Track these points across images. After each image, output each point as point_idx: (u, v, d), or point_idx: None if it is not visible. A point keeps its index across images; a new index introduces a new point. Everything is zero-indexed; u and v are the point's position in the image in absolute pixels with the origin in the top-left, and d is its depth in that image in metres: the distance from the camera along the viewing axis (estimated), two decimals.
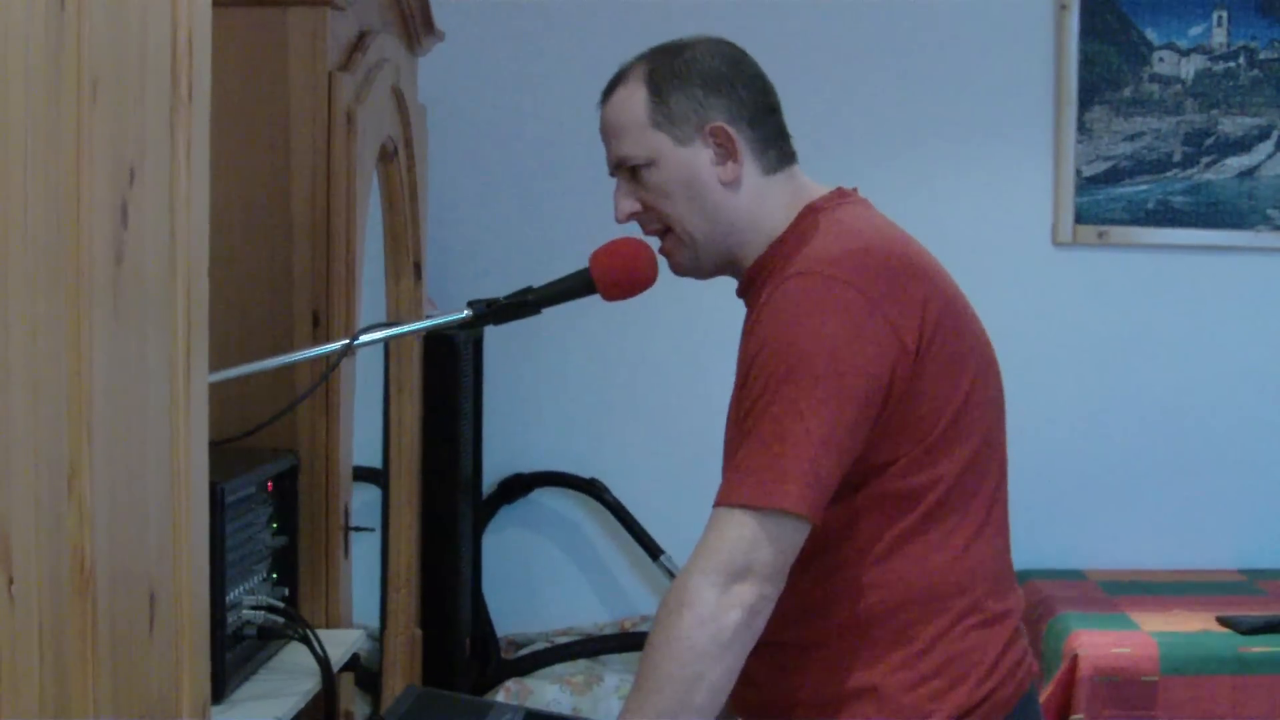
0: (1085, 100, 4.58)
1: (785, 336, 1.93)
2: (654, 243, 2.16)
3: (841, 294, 1.93)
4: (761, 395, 1.92)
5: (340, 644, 2.45)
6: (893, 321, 1.94)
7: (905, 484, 1.98)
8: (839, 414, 1.89)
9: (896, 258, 2.02)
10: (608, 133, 2.13)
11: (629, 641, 4.39)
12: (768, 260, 2.09)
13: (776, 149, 2.13)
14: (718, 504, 1.91)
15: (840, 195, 2.14)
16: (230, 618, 2.16)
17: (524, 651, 4.44)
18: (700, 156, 2.08)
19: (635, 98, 2.09)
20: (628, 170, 2.11)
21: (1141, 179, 4.60)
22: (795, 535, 1.89)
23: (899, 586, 1.99)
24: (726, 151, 2.08)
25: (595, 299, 2.21)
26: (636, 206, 2.12)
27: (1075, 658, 3.76)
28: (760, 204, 2.10)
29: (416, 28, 3.23)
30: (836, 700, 2.01)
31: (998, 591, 2.06)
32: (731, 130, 2.07)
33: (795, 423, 1.88)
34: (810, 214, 2.09)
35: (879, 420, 1.94)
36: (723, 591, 1.86)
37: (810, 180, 2.16)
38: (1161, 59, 4.58)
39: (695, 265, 2.14)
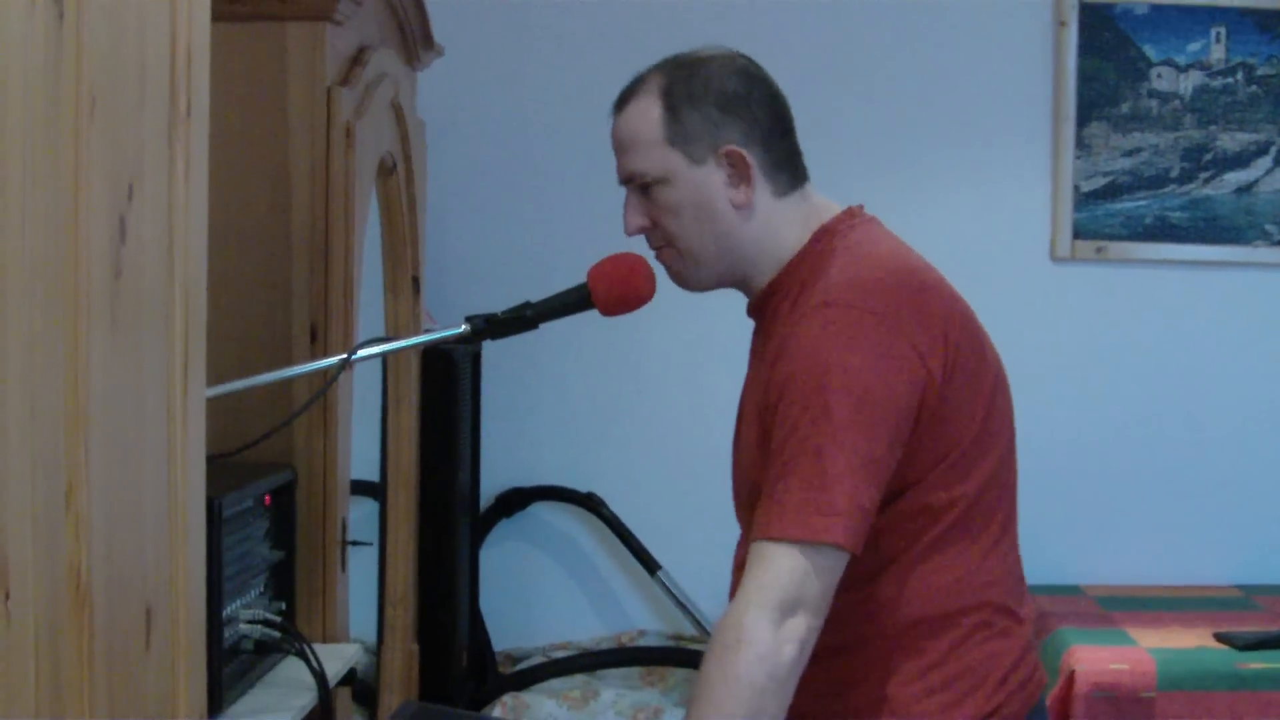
0: (1083, 116, 4.58)
1: (815, 370, 1.92)
2: (652, 257, 2.16)
3: (868, 324, 1.94)
4: (796, 429, 1.92)
5: (337, 658, 2.44)
6: (919, 348, 1.95)
7: (928, 501, 1.99)
8: (874, 444, 1.90)
9: (915, 281, 2.02)
10: (620, 145, 2.11)
11: (626, 656, 4.39)
12: (781, 283, 2.09)
13: (789, 170, 2.11)
14: (762, 538, 1.90)
15: (851, 216, 2.13)
16: (227, 632, 2.16)
17: (521, 666, 4.43)
18: (713, 178, 2.06)
19: (650, 113, 2.06)
20: (639, 185, 2.09)
21: (1140, 194, 4.60)
22: (839, 566, 1.90)
23: (916, 600, 2.00)
24: (740, 174, 2.06)
25: (593, 313, 2.21)
26: (646, 222, 2.10)
27: (1072, 674, 3.75)
28: (772, 228, 2.09)
29: (416, 43, 3.23)
30: (848, 711, 2.02)
31: (1012, 603, 2.07)
32: (746, 153, 2.05)
33: (835, 456, 1.88)
34: (825, 236, 2.09)
35: (908, 444, 1.96)
36: (778, 627, 1.85)
37: (823, 199, 2.15)
38: (1160, 75, 4.58)
39: (694, 280, 2.13)
